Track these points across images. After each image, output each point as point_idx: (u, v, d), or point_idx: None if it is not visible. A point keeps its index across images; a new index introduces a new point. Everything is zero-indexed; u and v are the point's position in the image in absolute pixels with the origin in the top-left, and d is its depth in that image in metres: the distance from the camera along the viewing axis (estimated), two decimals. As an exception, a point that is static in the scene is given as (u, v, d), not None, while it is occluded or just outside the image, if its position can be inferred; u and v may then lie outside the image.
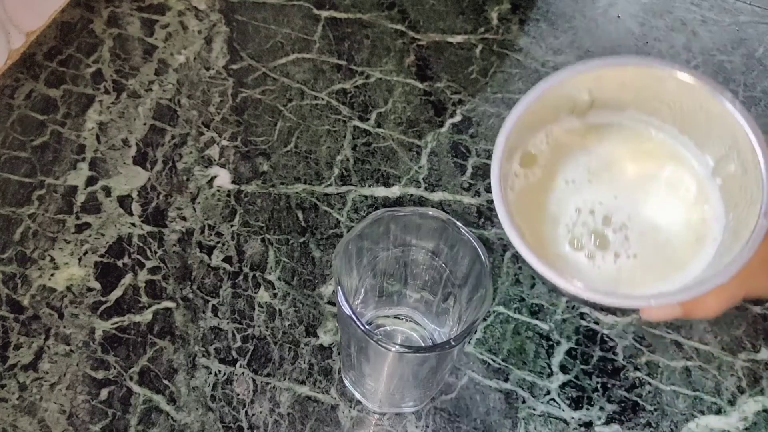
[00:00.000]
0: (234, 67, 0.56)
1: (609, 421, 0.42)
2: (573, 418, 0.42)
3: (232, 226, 0.48)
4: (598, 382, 0.43)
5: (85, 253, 0.47)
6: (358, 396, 0.42)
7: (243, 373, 0.43)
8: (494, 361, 0.44)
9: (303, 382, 0.42)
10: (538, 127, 0.32)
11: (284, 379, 0.42)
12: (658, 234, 0.31)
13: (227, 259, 0.47)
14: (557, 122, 0.32)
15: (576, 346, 0.44)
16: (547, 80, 0.30)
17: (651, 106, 0.31)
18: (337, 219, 0.49)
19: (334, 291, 0.46)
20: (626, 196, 0.32)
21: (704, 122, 0.30)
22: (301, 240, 0.48)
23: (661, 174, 0.32)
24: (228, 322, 0.44)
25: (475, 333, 0.44)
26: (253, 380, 0.42)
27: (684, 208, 0.31)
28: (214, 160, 0.51)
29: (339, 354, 0.43)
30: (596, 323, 0.45)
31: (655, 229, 0.31)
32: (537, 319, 0.45)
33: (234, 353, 0.43)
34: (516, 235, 0.28)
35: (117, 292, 0.45)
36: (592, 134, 0.33)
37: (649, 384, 0.43)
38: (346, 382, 0.42)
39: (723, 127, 0.29)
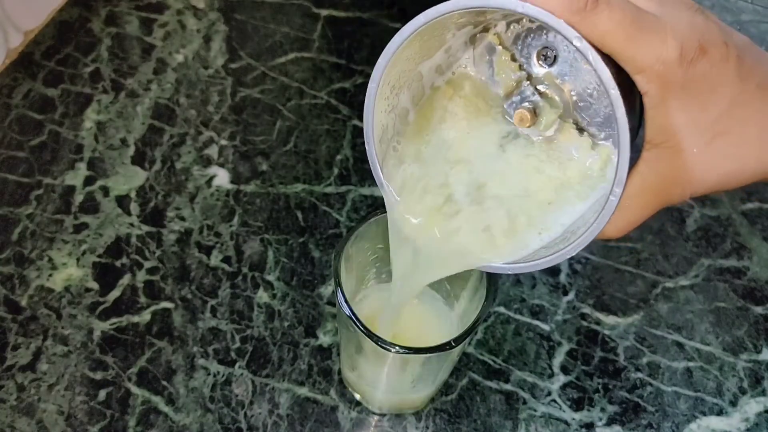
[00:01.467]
0: (233, 66, 0.56)
1: (610, 422, 0.42)
2: (574, 419, 0.42)
3: (230, 226, 0.48)
4: (599, 383, 0.43)
5: (84, 253, 0.46)
6: (357, 397, 0.42)
7: (242, 374, 0.42)
8: (495, 362, 0.44)
9: (302, 383, 0.42)
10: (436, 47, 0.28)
11: (283, 380, 0.42)
12: (502, 201, 0.28)
13: (226, 260, 0.47)
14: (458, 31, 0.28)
15: (577, 347, 0.44)
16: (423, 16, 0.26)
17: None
18: (337, 219, 0.49)
19: (333, 291, 0.46)
20: (482, 164, 0.28)
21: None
22: (301, 240, 0.48)
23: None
24: (227, 323, 0.44)
25: (475, 334, 0.44)
26: (252, 381, 0.42)
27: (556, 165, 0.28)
28: (213, 160, 0.51)
29: (338, 355, 0.43)
30: (597, 324, 0.45)
31: (500, 197, 0.28)
32: (538, 319, 0.45)
33: (233, 354, 0.43)
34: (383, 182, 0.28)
35: (115, 293, 0.45)
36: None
37: (651, 385, 0.43)
38: (346, 383, 0.42)
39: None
